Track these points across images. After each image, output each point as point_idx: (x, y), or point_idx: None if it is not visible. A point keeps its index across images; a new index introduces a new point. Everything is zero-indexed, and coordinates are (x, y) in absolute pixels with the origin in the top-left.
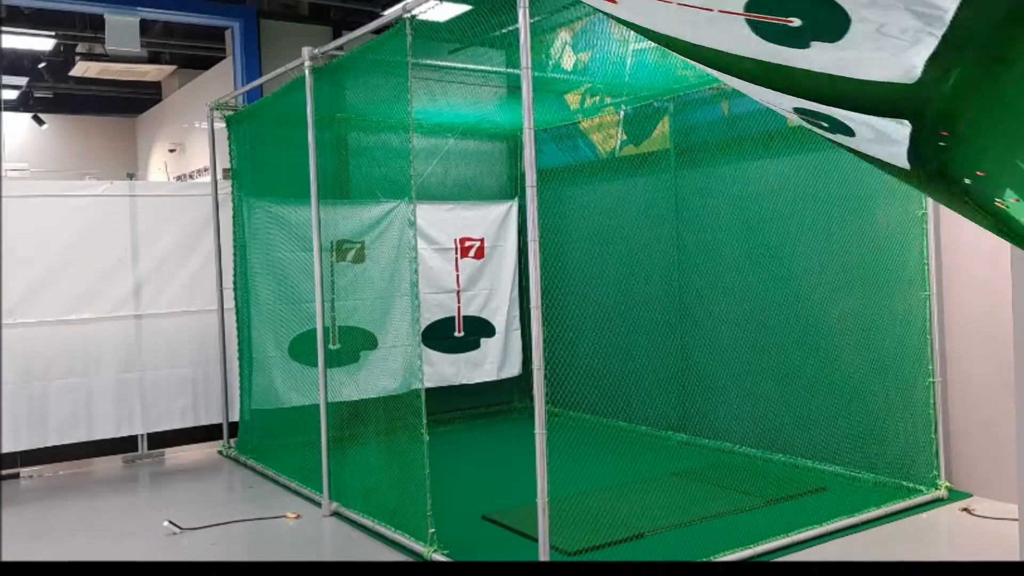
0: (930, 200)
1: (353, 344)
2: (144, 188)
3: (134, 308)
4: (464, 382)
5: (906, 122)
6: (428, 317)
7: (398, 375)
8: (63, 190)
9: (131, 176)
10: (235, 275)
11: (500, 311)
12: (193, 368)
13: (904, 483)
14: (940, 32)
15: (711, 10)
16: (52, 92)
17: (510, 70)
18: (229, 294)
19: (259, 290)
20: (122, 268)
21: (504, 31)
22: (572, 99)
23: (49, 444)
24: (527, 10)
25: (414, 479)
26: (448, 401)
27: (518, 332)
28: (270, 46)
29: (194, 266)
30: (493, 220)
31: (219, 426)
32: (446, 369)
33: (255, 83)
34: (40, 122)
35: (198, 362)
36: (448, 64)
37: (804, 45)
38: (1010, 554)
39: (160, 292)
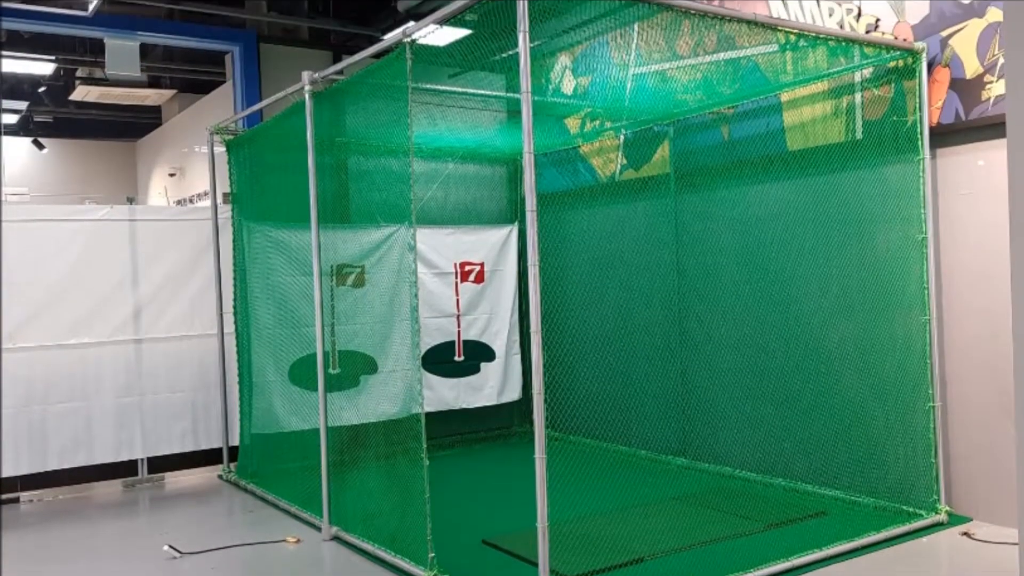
0: (930, 224)
1: (353, 368)
2: (144, 212)
3: (134, 332)
4: (464, 406)
5: None
6: (428, 341)
7: (398, 399)
8: (63, 214)
9: (131, 200)
10: (235, 299)
11: (500, 335)
12: (193, 392)
13: (904, 507)
14: None
15: None
16: (52, 116)
17: (510, 94)
18: (229, 318)
19: (259, 314)
20: (122, 292)
21: (504, 55)
22: (572, 123)
23: (49, 468)
24: (527, 35)
25: (414, 503)
26: (448, 425)
27: (518, 356)
28: (270, 70)
29: (194, 290)
30: (493, 244)
31: (219, 450)
32: (446, 393)
33: (255, 107)
34: (40, 146)
35: (198, 386)
36: (448, 88)
37: None
38: None
39: (160, 316)
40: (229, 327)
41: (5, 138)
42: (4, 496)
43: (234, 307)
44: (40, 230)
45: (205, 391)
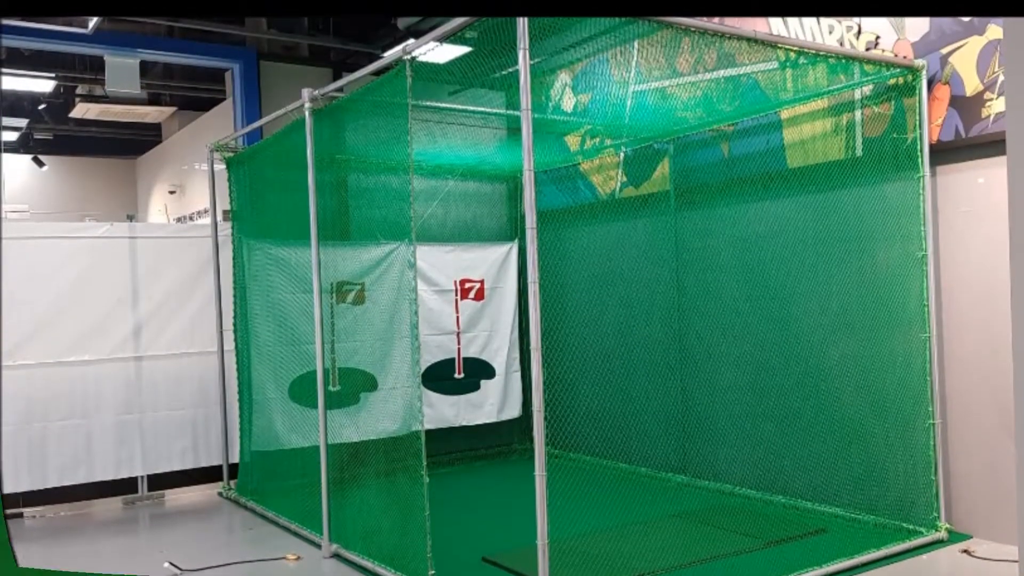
0: (930, 241)
1: (353, 386)
2: (144, 230)
3: (134, 350)
4: (464, 424)
5: None
6: (428, 359)
7: (398, 417)
8: (63, 232)
9: (131, 218)
10: (235, 317)
11: (500, 353)
12: (193, 410)
13: (904, 524)
14: None
15: None
16: (52, 134)
17: (510, 112)
18: (229, 336)
19: (259, 332)
20: (122, 310)
21: (504, 73)
22: (572, 141)
23: (49, 485)
24: (527, 52)
25: (414, 521)
26: (448, 443)
27: (518, 374)
28: (270, 88)
29: (194, 308)
30: (493, 262)
31: (219, 468)
32: (446, 411)
33: (255, 124)
34: (40, 164)
35: (198, 404)
36: (448, 106)
37: None
38: None
39: (160, 334)
40: (229, 344)
41: (5, 155)
42: (9, 511)
43: (234, 324)
44: (40, 247)
45: (205, 408)
